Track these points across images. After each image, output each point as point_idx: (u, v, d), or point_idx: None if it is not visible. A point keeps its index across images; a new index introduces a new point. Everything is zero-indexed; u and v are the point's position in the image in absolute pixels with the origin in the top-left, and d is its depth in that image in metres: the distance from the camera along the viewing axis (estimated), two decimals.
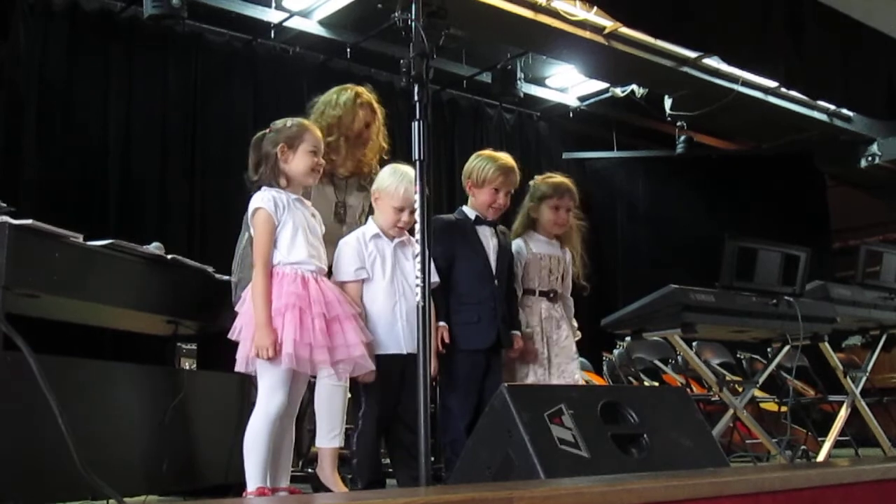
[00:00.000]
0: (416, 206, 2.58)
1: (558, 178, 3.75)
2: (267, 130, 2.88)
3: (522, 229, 3.72)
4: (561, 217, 3.67)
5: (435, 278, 3.12)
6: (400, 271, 3.13)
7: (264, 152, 2.83)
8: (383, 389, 3.06)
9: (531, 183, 3.75)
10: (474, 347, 3.35)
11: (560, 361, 3.58)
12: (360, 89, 3.60)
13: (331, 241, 3.08)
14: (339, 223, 3.47)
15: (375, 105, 3.60)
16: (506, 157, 3.56)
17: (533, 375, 3.51)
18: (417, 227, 2.55)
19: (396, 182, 3.12)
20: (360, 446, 3.07)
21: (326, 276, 2.90)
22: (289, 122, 2.90)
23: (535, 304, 3.61)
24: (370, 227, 3.18)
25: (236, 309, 2.80)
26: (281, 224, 2.76)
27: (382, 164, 3.45)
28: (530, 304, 3.61)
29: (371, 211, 3.26)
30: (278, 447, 2.73)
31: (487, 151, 3.62)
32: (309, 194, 3.02)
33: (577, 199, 3.72)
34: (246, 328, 2.69)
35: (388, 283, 3.10)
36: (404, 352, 3.04)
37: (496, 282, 3.43)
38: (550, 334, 3.59)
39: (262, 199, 2.77)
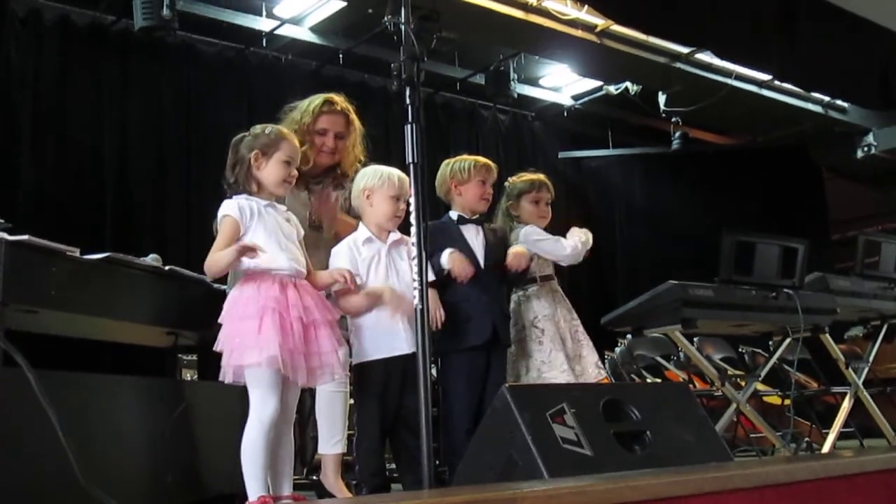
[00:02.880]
0: (412, 208, 2.57)
1: (532, 174, 3.84)
2: (247, 133, 2.86)
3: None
4: (542, 209, 3.76)
5: (431, 277, 3.12)
6: (395, 272, 3.11)
7: (239, 156, 2.81)
8: (385, 393, 3.04)
9: (506, 184, 3.82)
10: (471, 345, 3.37)
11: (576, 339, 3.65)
12: (336, 98, 3.46)
13: (311, 244, 3.04)
14: (314, 230, 3.38)
15: (352, 116, 3.45)
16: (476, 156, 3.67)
17: (562, 355, 3.53)
18: (413, 230, 2.54)
19: (386, 173, 3.14)
20: (363, 451, 3.05)
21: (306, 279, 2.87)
22: (268, 128, 2.87)
23: (546, 289, 3.66)
24: (361, 232, 3.15)
25: (220, 321, 2.75)
26: (251, 231, 2.73)
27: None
28: (545, 289, 3.66)
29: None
30: (277, 454, 2.69)
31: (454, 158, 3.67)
32: (282, 199, 2.98)
33: (552, 192, 3.81)
34: (227, 339, 2.65)
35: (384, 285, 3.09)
36: (407, 352, 3.00)
37: (485, 277, 3.44)
38: (564, 315, 3.65)
39: (229, 207, 2.75)
